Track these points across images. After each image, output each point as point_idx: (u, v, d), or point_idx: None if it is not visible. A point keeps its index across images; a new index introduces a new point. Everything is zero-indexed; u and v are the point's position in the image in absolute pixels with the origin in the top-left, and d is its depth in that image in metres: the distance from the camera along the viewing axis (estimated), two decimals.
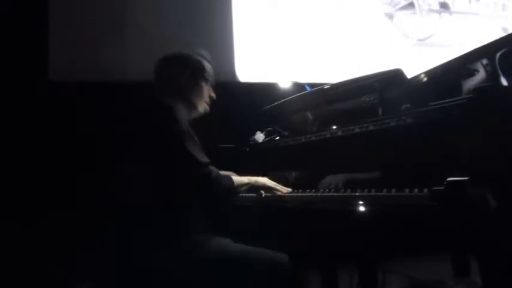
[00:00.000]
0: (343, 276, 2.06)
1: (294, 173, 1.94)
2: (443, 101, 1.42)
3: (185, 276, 1.45)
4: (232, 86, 3.11)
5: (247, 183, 1.78)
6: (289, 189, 1.83)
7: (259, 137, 2.22)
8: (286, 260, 1.56)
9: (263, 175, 1.86)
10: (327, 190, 1.69)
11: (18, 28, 2.68)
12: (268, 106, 2.24)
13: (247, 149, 2.21)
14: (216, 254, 1.51)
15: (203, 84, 1.78)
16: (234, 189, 1.70)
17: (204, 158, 1.56)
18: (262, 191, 1.84)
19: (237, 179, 1.73)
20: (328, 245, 2.02)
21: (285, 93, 2.31)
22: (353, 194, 1.55)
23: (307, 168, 1.89)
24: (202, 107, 1.79)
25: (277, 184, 1.83)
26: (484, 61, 1.48)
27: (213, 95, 1.84)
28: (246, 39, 3.21)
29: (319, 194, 1.71)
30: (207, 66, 1.82)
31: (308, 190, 1.77)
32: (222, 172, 1.66)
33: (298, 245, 1.67)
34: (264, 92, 2.65)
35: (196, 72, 1.77)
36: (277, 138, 2.19)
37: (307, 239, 1.94)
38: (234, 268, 1.49)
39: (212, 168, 1.58)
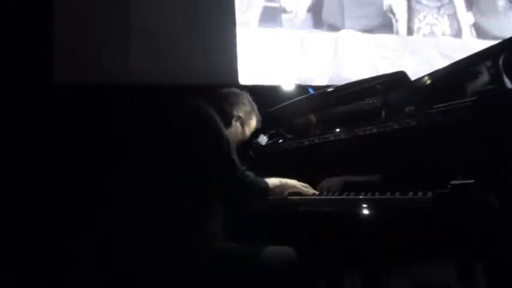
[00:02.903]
0: (347, 278, 2.06)
1: (297, 176, 1.93)
2: (446, 104, 1.42)
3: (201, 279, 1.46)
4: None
5: (278, 185, 1.77)
6: (316, 192, 1.80)
7: (263, 139, 2.22)
8: (295, 257, 1.56)
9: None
10: (331, 193, 1.69)
11: (23, 32, 2.69)
12: (272, 109, 2.24)
13: (251, 152, 2.21)
14: (233, 258, 1.53)
15: (245, 134, 1.88)
16: (268, 192, 1.71)
17: (240, 164, 1.59)
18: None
19: (269, 181, 1.72)
20: (332, 247, 2.02)
21: (288, 96, 2.31)
22: (357, 197, 1.55)
23: (310, 171, 1.89)
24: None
25: (307, 186, 1.81)
26: (488, 63, 1.47)
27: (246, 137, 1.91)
28: (248, 41, 3.22)
29: (322, 197, 1.71)
30: (257, 122, 1.93)
31: (311, 193, 1.77)
32: None
33: (301, 246, 1.66)
34: (267, 94, 2.65)
35: (245, 124, 1.86)
36: (281, 141, 2.19)
37: (311, 241, 1.94)
38: (247, 268, 1.51)
39: (249, 173, 1.61)
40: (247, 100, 1.89)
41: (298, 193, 1.80)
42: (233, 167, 1.56)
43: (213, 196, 1.57)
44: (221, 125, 1.62)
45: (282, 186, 1.78)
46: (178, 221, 1.50)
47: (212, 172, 1.54)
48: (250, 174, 1.62)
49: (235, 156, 1.58)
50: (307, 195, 1.78)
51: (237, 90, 1.92)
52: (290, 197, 1.80)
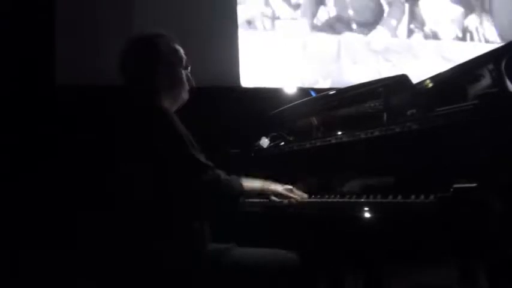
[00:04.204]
0: (349, 281, 2.06)
1: (298, 179, 1.93)
2: (448, 107, 1.41)
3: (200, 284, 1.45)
4: (237, 91, 3.12)
5: (259, 189, 1.69)
6: (305, 195, 1.76)
7: (264, 142, 2.21)
8: (296, 260, 1.55)
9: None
10: (332, 196, 1.69)
11: (25, 33, 2.70)
12: (273, 111, 2.24)
13: (252, 154, 2.21)
14: (230, 260, 1.50)
15: (181, 70, 1.65)
16: (244, 193, 1.60)
17: (207, 161, 1.49)
18: (275, 198, 1.76)
19: (249, 184, 1.62)
20: (334, 250, 2.02)
21: (290, 99, 2.31)
22: (358, 200, 1.55)
23: (311, 173, 1.89)
24: (186, 95, 1.67)
25: (293, 190, 1.75)
26: (490, 67, 1.47)
27: (192, 80, 1.69)
28: (250, 43, 3.22)
29: (323, 200, 1.70)
30: (180, 49, 1.66)
31: (313, 196, 1.77)
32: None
33: (303, 249, 1.66)
34: (268, 97, 2.66)
35: (171, 60, 1.62)
36: (282, 143, 2.19)
37: (312, 244, 1.94)
38: (247, 272, 1.49)
39: (219, 171, 1.50)
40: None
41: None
42: (203, 167, 1.45)
43: (190, 201, 1.48)
44: (178, 122, 1.49)
45: (263, 191, 1.70)
46: (167, 226, 1.47)
47: (181, 176, 1.46)
48: (222, 172, 1.50)
49: (199, 155, 1.46)
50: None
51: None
52: (292, 200, 1.79)
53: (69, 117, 2.70)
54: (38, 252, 2.44)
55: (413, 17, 3.68)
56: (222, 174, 1.50)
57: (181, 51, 1.67)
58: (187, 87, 1.67)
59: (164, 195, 1.46)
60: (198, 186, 1.46)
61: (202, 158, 1.47)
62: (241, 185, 1.57)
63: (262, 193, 1.72)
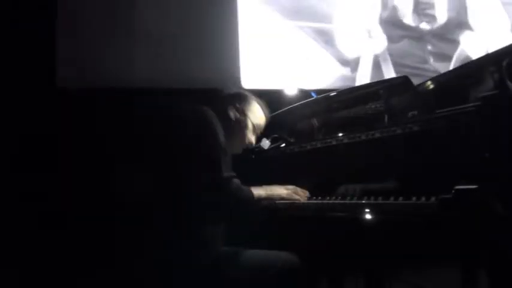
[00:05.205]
0: (350, 283, 2.05)
1: (299, 180, 1.93)
2: (449, 109, 1.41)
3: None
4: None
5: (264, 195, 1.72)
6: (307, 193, 1.79)
7: (265, 143, 2.21)
8: (297, 262, 1.56)
9: (268, 182, 1.85)
10: (333, 197, 1.69)
11: (26, 37, 2.70)
12: (274, 113, 2.23)
13: (253, 156, 2.21)
14: (232, 262, 1.53)
15: (248, 126, 1.82)
16: (253, 204, 1.66)
17: (228, 172, 1.56)
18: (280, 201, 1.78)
19: (255, 191, 1.67)
20: (334, 252, 2.02)
21: (291, 100, 2.30)
22: (359, 201, 1.55)
23: (312, 175, 1.89)
24: (236, 148, 1.80)
25: (295, 192, 1.79)
26: (491, 68, 1.47)
27: (253, 142, 1.86)
28: (251, 45, 3.22)
29: (325, 201, 1.71)
30: (262, 118, 1.88)
31: (314, 197, 1.77)
32: None
33: (303, 251, 1.66)
34: (269, 98, 2.65)
35: (247, 115, 1.82)
36: (283, 145, 2.18)
37: (313, 246, 1.94)
38: (249, 273, 1.51)
39: (234, 181, 1.57)
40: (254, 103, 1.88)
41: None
42: (217, 174, 1.52)
43: (201, 202, 1.53)
44: (218, 131, 1.60)
45: (268, 197, 1.73)
46: (174, 226, 1.51)
47: (197, 178, 1.52)
48: (235, 183, 1.58)
49: (223, 163, 1.55)
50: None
51: (245, 92, 1.91)
52: (293, 202, 1.79)
53: (71, 121, 2.70)
54: (37, 254, 2.44)
55: None
56: (235, 185, 1.57)
57: (262, 121, 1.89)
58: (242, 143, 1.82)
59: (180, 197, 1.52)
60: (212, 191, 1.52)
61: (224, 167, 1.55)
62: (251, 193, 1.64)
63: (267, 199, 1.75)
